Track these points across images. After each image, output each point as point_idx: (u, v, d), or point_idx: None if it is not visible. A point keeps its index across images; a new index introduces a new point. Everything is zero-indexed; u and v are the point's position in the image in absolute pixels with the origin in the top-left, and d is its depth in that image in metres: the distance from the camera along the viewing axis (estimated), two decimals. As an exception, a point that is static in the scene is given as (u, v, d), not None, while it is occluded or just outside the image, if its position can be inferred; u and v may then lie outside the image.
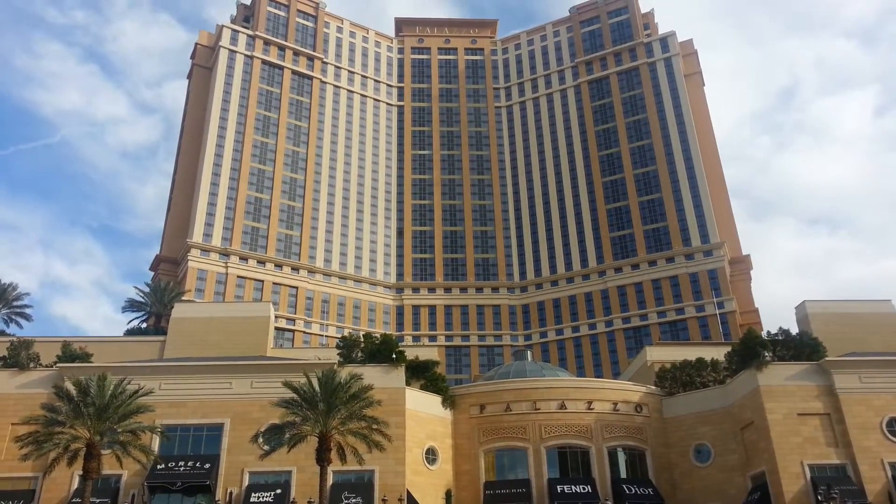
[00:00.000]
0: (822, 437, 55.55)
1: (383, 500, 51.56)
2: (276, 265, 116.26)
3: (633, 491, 58.77)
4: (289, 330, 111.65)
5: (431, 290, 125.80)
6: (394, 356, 62.16)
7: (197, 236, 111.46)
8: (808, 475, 53.27)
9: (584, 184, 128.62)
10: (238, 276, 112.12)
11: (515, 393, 64.65)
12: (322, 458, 46.12)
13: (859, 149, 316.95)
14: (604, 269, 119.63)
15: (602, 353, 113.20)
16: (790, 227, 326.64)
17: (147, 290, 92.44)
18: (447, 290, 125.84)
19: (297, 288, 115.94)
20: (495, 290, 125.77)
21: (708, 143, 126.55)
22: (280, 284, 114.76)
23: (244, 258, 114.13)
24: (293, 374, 52.74)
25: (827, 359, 59.41)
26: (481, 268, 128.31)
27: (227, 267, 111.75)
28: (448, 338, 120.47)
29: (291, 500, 52.11)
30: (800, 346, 64.50)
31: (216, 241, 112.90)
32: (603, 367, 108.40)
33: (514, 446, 62.23)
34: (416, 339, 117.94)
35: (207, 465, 53.69)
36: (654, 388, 67.01)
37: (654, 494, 59.06)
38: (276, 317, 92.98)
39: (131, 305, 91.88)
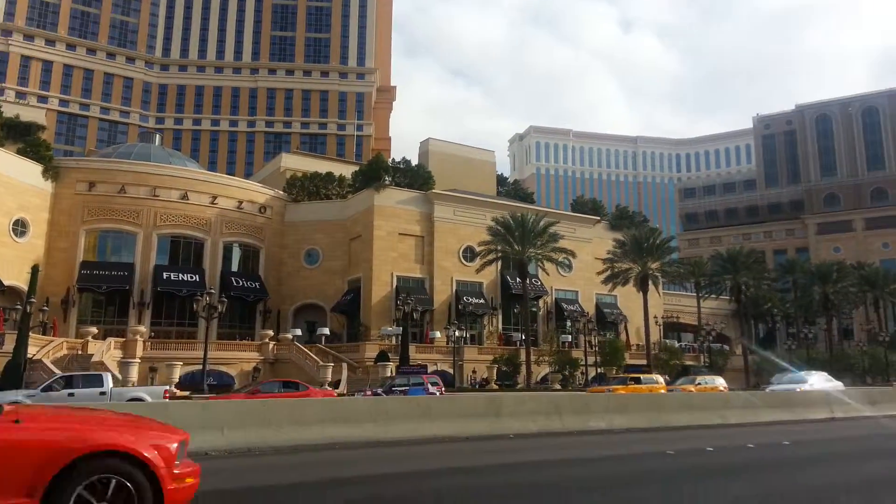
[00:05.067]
0: (412, 255, 64.55)
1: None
2: None
3: (241, 283, 61.66)
4: None
5: (50, 42, 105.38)
6: (-17, 108, 51.96)
7: None
8: (395, 283, 62.08)
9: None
10: None
11: (135, 176, 60.44)
12: None
13: (509, 15, 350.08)
14: (258, 66, 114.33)
15: (239, 151, 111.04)
16: (435, 72, 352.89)
17: None
18: (71, 46, 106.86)
19: None
20: (130, 60, 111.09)
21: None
22: None
23: None
24: None
25: (433, 191, 67.84)
26: (118, 30, 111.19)
27: None
28: (63, 102, 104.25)
29: None
30: (415, 177, 72.24)
31: None
32: (237, 166, 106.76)
33: (123, 230, 59.14)
34: (21, 95, 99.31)
35: None
36: (282, 193, 69.02)
37: (259, 288, 62.87)
38: None
39: None
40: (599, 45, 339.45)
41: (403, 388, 34.10)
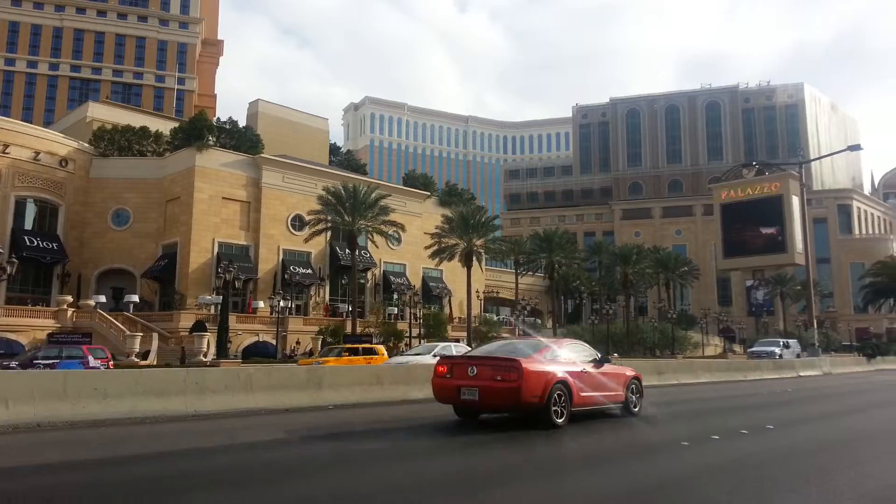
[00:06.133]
0: (237, 221, 61.71)
1: None
2: None
3: (36, 243, 55.36)
4: None
5: None
6: None
7: None
8: (216, 250, 59.07)
9: None
10: None
11: None
12: None
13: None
14: (64, 3, 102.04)
15: (38, 96, 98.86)
16: (265, 29, 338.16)
17: None
18: None
19: None
20: None
21: None
22: None
23: None
24: None
25: (262, 155, 65.15)
26: None
27: None
28: None
29: None
30: (243, 139, 69.00)
31: None
32: (34, 112, 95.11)
33: None
34: None
35: None
36: (87, 145, 62.65)
37: (57, 249, 56.77)
38: None
39: None
40: (436, 20, 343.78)
41: (51, 361, 28.20)
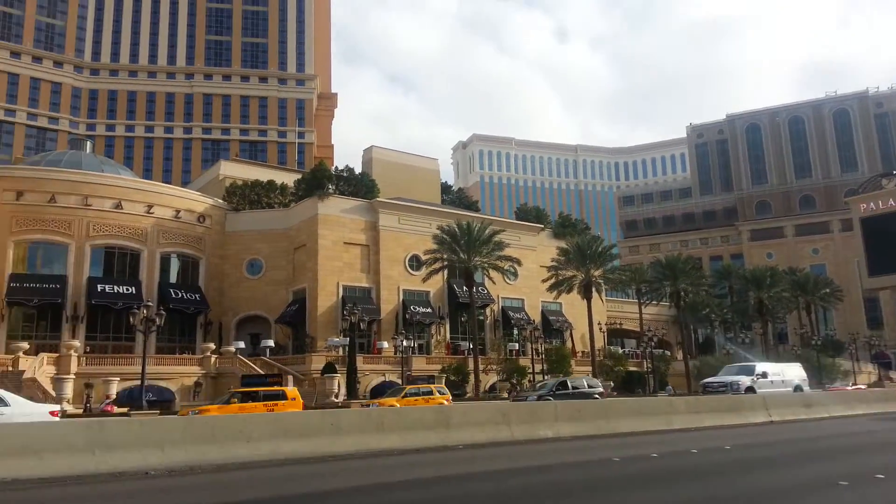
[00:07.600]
0: (358, 264, 63.86)
1: None
2: None
3: (180, 295, 59.84)
4: None
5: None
6: None
7: None
8: (341, 293, 61.30)
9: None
10: None
11: (65, 184, 58.03)
12: None
13: (444, 23, 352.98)
14: (193, 71, 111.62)
15: (175, 159, 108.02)
16: (373, 79, 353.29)
17: None
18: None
19: None
20: (58, 64, 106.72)
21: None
22: None
23: None
24: None
25: (378, 199, 67.40)
26: (43, 33, 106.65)
27: None
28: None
29: None
30: (359, 185, 71.68)
31: None
32: (173, 174, 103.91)
33: (55, 241, 56.69)
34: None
35: None
36: (221, 201, 67.40)
37: (200, 300, 61.11)
38: None
39: None
40: (536, 54, 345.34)
41: None
